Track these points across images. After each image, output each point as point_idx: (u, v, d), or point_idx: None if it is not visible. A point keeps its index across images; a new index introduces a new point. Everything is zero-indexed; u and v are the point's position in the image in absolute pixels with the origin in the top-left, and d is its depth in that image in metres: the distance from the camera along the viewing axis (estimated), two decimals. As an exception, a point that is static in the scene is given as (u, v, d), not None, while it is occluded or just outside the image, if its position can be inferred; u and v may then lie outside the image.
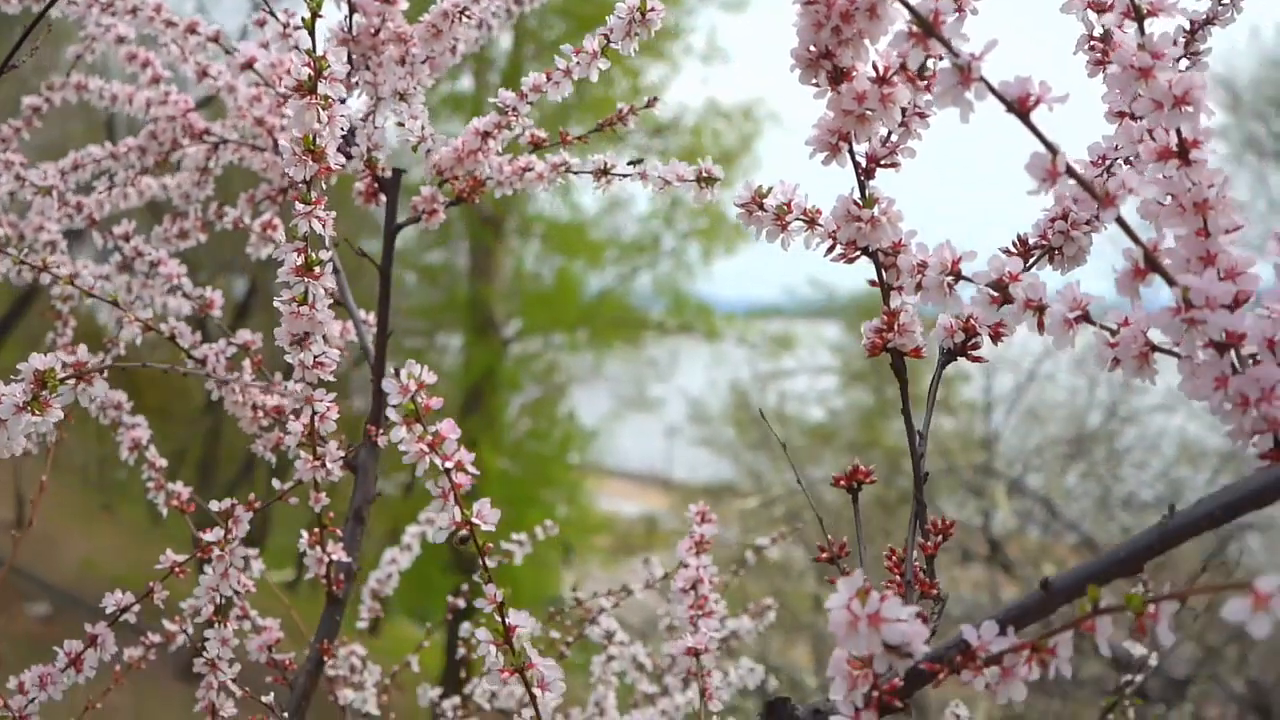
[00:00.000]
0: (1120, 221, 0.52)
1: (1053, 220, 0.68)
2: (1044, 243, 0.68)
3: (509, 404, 11.25)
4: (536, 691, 0.64)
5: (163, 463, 1.09)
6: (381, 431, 0.97)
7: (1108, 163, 0.69)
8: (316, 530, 0.96)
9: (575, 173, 0.98)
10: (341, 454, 0.91)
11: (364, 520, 1.02)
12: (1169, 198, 0.55)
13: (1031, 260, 0.69)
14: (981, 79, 0.50)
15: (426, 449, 0.62)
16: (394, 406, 0.61)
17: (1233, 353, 0.53)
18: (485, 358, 10.64)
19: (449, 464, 0.62)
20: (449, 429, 0.62)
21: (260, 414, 1.02)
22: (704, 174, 0.86)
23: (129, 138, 1.21)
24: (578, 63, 0.91)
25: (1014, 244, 0.69)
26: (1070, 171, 0.50)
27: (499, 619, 0.65)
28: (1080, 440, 6.72)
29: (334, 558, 0.96)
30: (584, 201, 11.87)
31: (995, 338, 0.67)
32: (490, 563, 0.65)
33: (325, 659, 0.98)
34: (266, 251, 1.20)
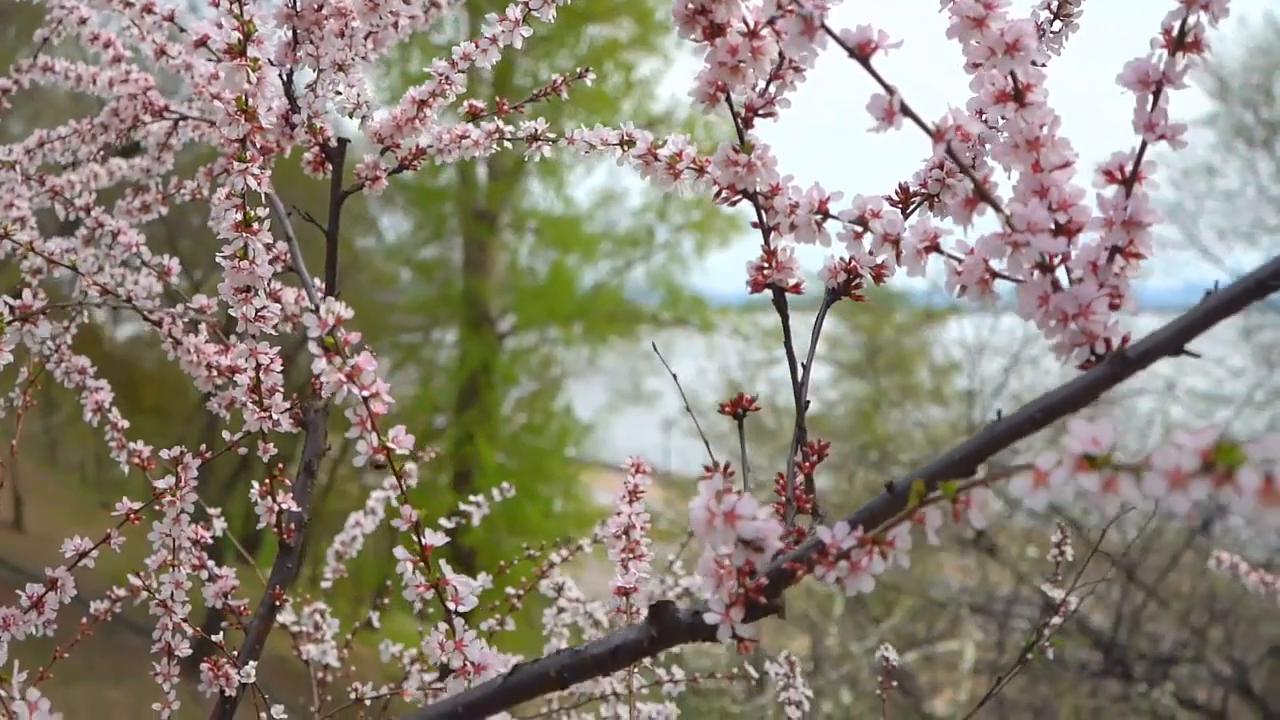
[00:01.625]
0: (952, 155, 0.57)
1: (931, 169, 0.73)
2: (924, 190, 0.74)
3: (505, 398, 11.30)
4: (450, 605, 0.70)
5: (125, 424, 1.14)
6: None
7: (983, 115, 0.74)
8: (267, 481, 1.01)
9: (510, 139, 1.03)
10: (287, 405, 0.96)
11: (314, 473, 1.07)
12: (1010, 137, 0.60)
13: (912, 206, 0.74)
14: (823, 27, 0.55)
15: (345, 379, 0.67)
16: (314, 339, 0.66)
17: (1063, 274, 0.58)
18: (481, 352, 10.70)
19: (366, 393, 0.67)
20: (366, 361, 0.68)
21: (214, 373, 1.07)
22: (625, 138, 0.91)
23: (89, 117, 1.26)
24: (503, 30, 0.97)
25: (896, 191, 0.74)
26: (905, 110, 0.56)
27: (416, 539, 0.70)
28: (1066, 423, 6.76)
29: (284, 507, 1.02)
30: (577, 195, 11.92)
31: (878, 278, 0.73)
32: (410, 482, 0.70)
33: (278, 604, 1.04)
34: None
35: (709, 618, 0.60)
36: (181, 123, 1.25)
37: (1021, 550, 6.29)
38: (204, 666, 1.00)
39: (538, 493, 10.43)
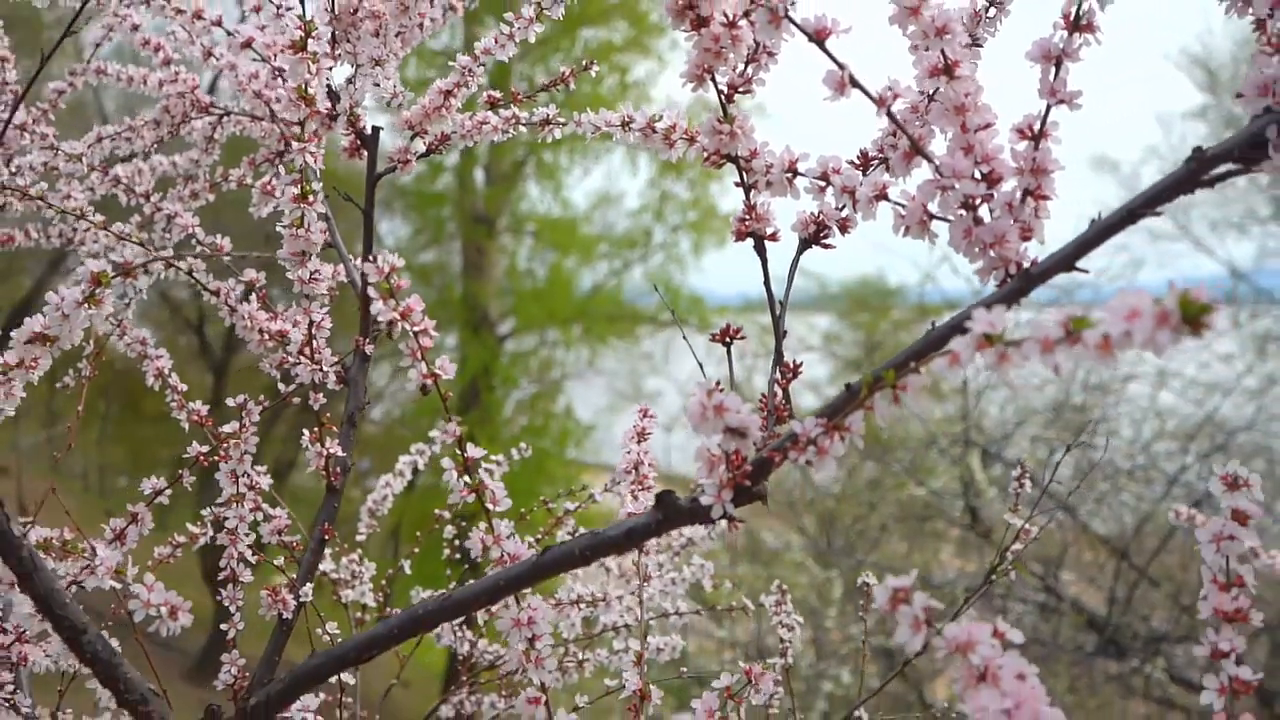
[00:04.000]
0: (891, 117, 0.70)
1: (885, 136, 0.87)
2: (880, 155, 0.87)
3: (506, 400, 11.43)
4: (489, 505, 0.83)
5: (183, 387, 1.28)
6: (369, 342, 1.16)
7: (930, 92, 0.88)
8: (316, 429, 1.15)
9: (524, 124, 1.17)
10: (335, 360, 1.09)
11: (355, 424, 1.20)
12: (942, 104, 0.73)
13: (871, 168, 0.87)
14: (788, 17, 0.69)
15: (399, 317, 0.80)
16: (372, 284, 0.80)
17: (986, 212, 0.72)
18: (481, 355, 10.82)
19: (417, 329, 0.81)
20: (416, 303, 0.81)
21: (265, 337, 1.21)
22: (626, 119, 1.04)
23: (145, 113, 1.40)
24: (519, 28, 1.10)
25: (857, 156, 0.87)
26: (853, 82, 0.69)
27: (459, 452, 0.84)
28: (1059, 409, 6.93)
29: (331, 452, 1.15)
30: (574, 198, 12.07)
31: (843, 230, 0.86)
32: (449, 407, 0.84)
33: (326, 538, 1.17)
34: (267, 209, 1.38)
35: (704, 500, 0.74)
36: (225, 118, 1.39)
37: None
38: (263, 593, 1.13)
39: (540, 493, 10.52)
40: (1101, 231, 0.65)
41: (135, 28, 1.38)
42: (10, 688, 1.14)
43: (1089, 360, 0.51)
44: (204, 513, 1.29)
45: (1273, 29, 0.63)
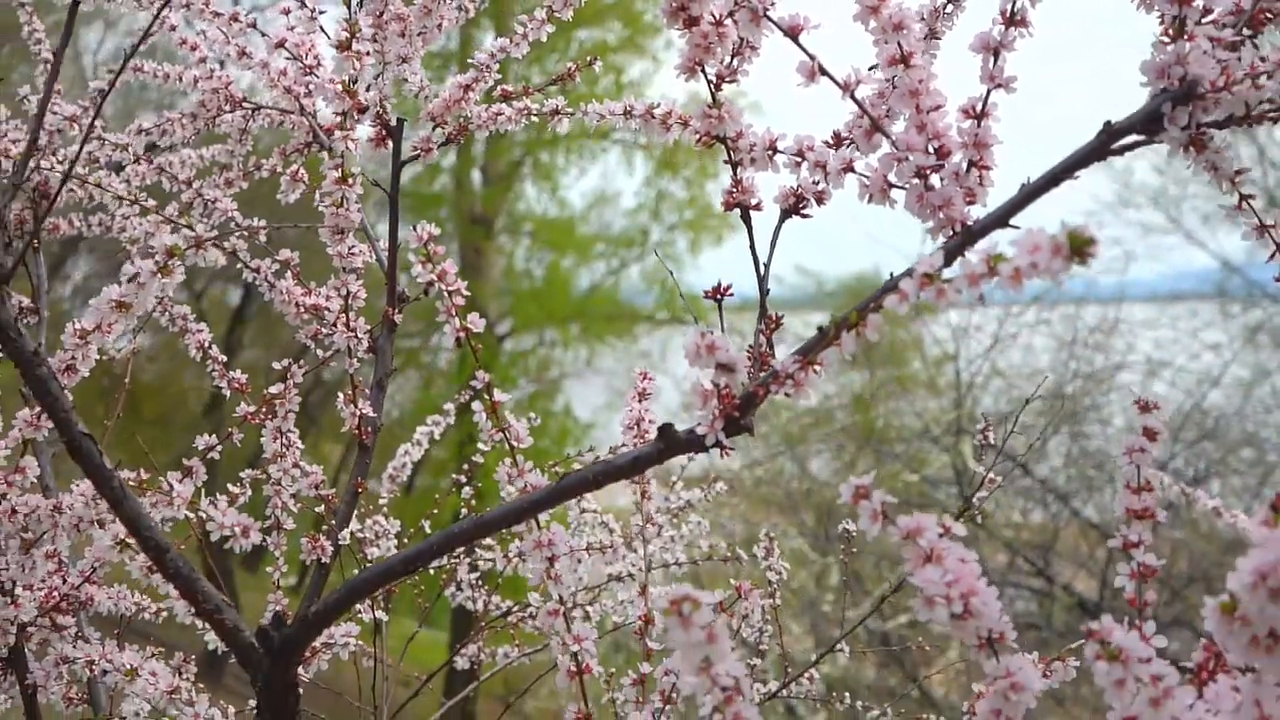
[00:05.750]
0: (854, 100, 0.83)
1: (854, 119, 0.99)
2: (850, 135, 0.99)
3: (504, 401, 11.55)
4: (514, 443, 0.96)
5: (223, 357, 1.40)
6: (396, 313, 1.28)
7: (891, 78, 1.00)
8: (349, 391, 1.27)
9: (535, 116, 1.29)
10: (369, 328, 1.22)
11: (384, 388, 1.33)
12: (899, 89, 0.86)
13: (844, 147, 1.00)
14: (767, 16, 0.81)
15: (436, 279, 0.93)
16: (412, 250, 0.92)
17: (937, 180, 0.84)
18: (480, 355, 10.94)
19: (450, 289, 0.93)
20: (451, 266, 0.94)
21: (301, 310, 1.33)
22: (628, 109, 1.17)
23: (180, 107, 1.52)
24: (531, 28, 1.23)
25: (831, 136, 1.00)
26: (822, 71, 0.82)
27: (488, 397, 0.96)
28: (1053, 397, 7.08)
29: (364, 412, 1.28)
30: (571, 197, 12.19)
31: (819, 201, 0.99)
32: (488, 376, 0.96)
33: (359, 491, 1.29)
34: (294, 195, 1.50)
35: (700, 430, 0.86)
36: (257, 111, 1.51)
37: (1008, 519, 6.56)
38: (303, 540, 1.26)
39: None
40: (1029, 194, 0.78)
41: (173, 28, 1.50)
42: (73, 630, 1.26)
43: (1005, 287, 0.63)
44: (243, 474, 1.41)
45: (1169, 23, 0.76)
